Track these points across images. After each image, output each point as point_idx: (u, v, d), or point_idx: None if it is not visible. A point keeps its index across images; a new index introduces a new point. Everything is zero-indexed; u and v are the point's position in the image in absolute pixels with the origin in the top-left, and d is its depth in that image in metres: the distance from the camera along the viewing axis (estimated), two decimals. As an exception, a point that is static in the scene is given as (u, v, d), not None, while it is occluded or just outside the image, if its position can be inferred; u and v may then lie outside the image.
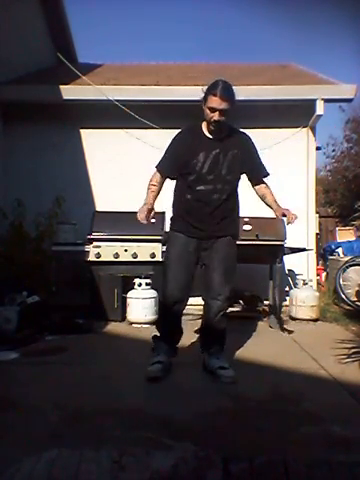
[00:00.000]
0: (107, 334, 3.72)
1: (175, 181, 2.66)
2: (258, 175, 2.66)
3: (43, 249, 4.55)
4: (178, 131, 2.66)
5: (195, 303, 4.64)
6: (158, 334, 2.70)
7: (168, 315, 2.62)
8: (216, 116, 2.38)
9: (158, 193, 2.65)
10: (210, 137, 2.51)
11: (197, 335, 3.09)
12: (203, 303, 2.65)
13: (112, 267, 4.22)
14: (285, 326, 3.95)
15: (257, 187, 2.68)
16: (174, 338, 2.67)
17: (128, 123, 4.93)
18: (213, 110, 2.37)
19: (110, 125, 5.08)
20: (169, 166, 2.61)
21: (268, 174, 2.69)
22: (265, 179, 2.69)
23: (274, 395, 2.27)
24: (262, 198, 2.68)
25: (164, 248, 4.19)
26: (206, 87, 2.43)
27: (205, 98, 2.41)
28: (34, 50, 6.12)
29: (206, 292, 2.58)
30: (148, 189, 2.65)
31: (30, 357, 2.96)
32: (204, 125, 2.54)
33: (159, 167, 2.65)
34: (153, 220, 4.25)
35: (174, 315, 2.60)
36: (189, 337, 3.21)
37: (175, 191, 2.66)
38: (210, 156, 2.47)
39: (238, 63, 7.06)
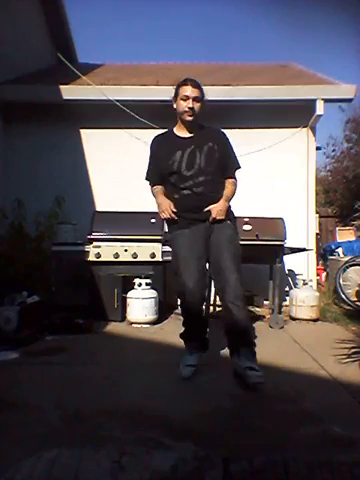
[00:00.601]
0: (107, 334, 3.72)
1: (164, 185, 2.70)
2: (227, 169, 2.63)
3: (43, 249, 4.55)
4: (152, 140, 2.72)
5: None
6: (185, 332, 2.68)
7: (191, 311, 2.59)
8: (190, 103, 2.46)
9: (163, 190, 2.67)
10: (183, 137, 2.58)
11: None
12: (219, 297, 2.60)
13: (112, 267, 4.22)
14: (284, 326, 3.96)
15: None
16: (202, 332, 2.67)
17: (128, 123, 4.93)
18: (186, 98, 2.46)
19: (110, 125, 5.09)
20: (155, 174, 2.67)
21: (238, 167, 2.67)
22: (237, 171, 2.68)
23: (274, 395, 2.27)
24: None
25: (165, 248, 4.21)
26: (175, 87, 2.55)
27: (175, 93, 2.52)
28: (34, 50, 6.12)
29: (218, 281, 2.49)
30: (154, 193, 2.70)
31: (30, 357, 2.96)
32: (176, 128, 2.62)
33: (148, 178, 2.73)
34: (153, 220, 4.31)
35: (196, 310, 2.57)
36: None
37: (166, 194, 2.67)
38: (186, 154, 2.52)
39: (238, 63, 7.07)
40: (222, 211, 2.50)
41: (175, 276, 2.56)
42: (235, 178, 2.68)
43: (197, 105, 2.48)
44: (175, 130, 2.63)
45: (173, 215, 2.51)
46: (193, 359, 2.60)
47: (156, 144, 2.67)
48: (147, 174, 2.73)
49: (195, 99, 2.46)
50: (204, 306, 2.95)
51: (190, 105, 2.45)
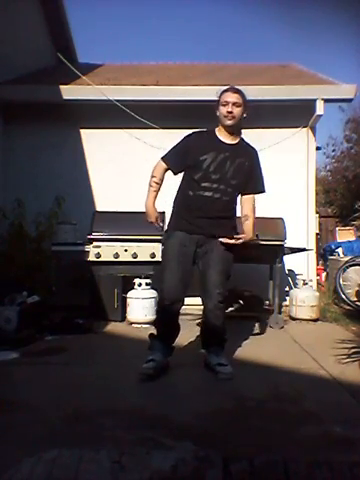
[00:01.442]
0: (107, 334, 3.72)
1: (181, 179, 2.70)
2: (253, 189, 2.71)
3: (43, 249, 4.54)
4: (191, 131, 2.71)
5: (195, 303, 4.66)
6: (155, 332, 2.69)
7: (165, 313, 2.63)
8: (229, 107, 2.51)
9: (158, 190, 2.69)
10: (222, 140, 2.61)
11: (197, 335, 3.09)
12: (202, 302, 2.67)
13: (112, 267, 4.22)
14: (284, 326, 3.96)
15: (244, 198, 2.70)
16: (171, 337, 2.67)
17: (128, 123, 4.93)
18: (226, 103, 2.53)
19: (110, 125, 5.08)
20: (176, 159, 2.66)
21: (264, 191, 2.76)
22: (257, 195, 2.74)
23: (274, 395, 2.27)
24: (242, 212, 2.71)
25: (163, 247, 4.21)
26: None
27: (218, 100, 2.58)
28: (34, 50, 6.12)
29: (203, 291, 2.62)
30: (149, 185, 2.69)
31: (30, 357, 2.96)
32: (218, 130, 2.65)
33: (165, 158, 2.69)
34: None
35: (171, 313, 2.60)
36: (188, 337, 3.21)
37: (179, 188, 2.70)
38: (219, 157, 2.55)
39: (238, 63, 7.07)
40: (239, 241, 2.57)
41: (160, 275, 2.62)
42: (253, 202, 2.72)
43: (237, 110, 2.53)
44: (217, 131, 2.65)
45: (157, 224, 2.68)
46: (156, 354, 2.56)
47: (194, 136, 2.68)
48: (167, 154, 2.69)
49: (235, 104, 2.52)
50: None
51: (229, 109, 2.51)
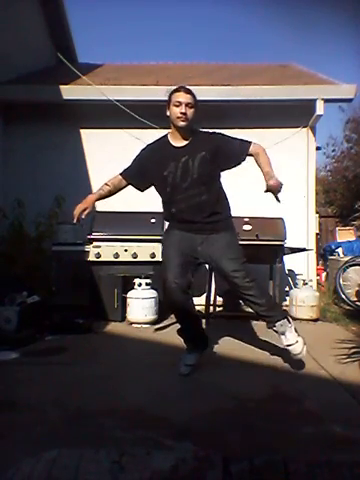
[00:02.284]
0: (107, 334, 3.72)
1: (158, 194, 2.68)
2: (239, 156, 2.59)
3: (43, 249, 4.54)
4: (143, 148, 2.70)
5: (195, 303, 4.65)
6: (180, 329, 2.70)
7: (174, 306, 2.60)
8: (182, 108, 2.45)
9: (107, 194, 2.76)
10: (176, 146, 2.55)
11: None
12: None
13: (112, 267, 4.22)
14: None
15: (254, 158, 2.60)
16: (193, 329, 2.66)
17: (128, 123, 4.93)
18: (179, 104, 2.46)
19: (110, 125, 5.08)
20: (135, 176, 2.67)
21: (249, 143, 2.59)
22: (252, 146, 2.59)
23: (274, 395, 2.27)
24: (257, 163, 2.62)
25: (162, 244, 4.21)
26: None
27: (169, 100, 2.52)
28: (34, 50, 6.12)
29: (229, 282, 2.55)
30: (107, 183, 2.71)
31: (30, 357, 2.96)
32: (169, 135, 2.60)
33: (124, 173, 2.71)
34: (153, 220, 4.30)
35: (179, 305, 2.56)
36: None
37: (162, 202, 2.68)
38: (180, 164, 2.50)
39: (238, 63, 7.07)
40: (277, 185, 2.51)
41: (162, 270, 2.61)
42: (257, 145, 2.59)
43: (190, 111, 2.47)
44: (169, 138, 2.59)
45: (76, 218, 2.59)
46: (191, 358, 2.62)
47: (148, 153, 2.64)
48: (126, 170, 2.71)
49: (188, 105, 2.46)
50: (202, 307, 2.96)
51: (182, 110, 2.44)
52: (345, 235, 6.91)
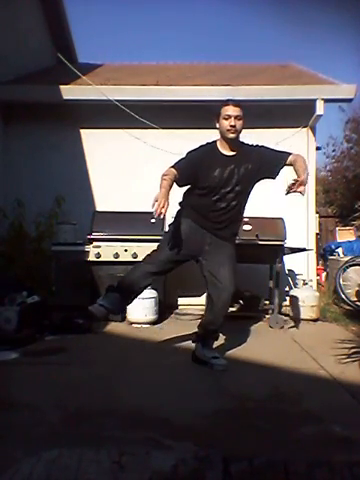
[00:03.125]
0: (107, 334, 3.72)
1: (188, 189, 2.76)
2: (279, 165, 2.72)
3: (43, 249, 4.55)
4: (194, 148, 2.73)
5: (195, 303, 4.66)
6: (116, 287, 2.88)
7: (133, 277, 2.80)
8: (232, 121, 2.58)
9: (171, 185, 2.61)
10: (225, 154, 2.68)
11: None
12: (206, 298, 2.84)
13: (112, 267, 4.22)
14: (284, 326, 3.96)
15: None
16: (128, 296, 2.86)
17: (128, 123, 4.93)
18: (228, 117, 2.59)
19: (110, 125, 5.08)
20: (184, 171, 2.63)
21: (289, 154, 2.72)
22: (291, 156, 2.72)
23: (274, 395, 2.27)
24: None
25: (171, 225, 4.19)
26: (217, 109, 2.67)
27: (218, 113, 2.64)
28: (34, 50, 6.12)
29: (214, 286, 2.68)
30: (162, 180, 2.58)
31: (30, 357, 2.96)
32: (218, 143, 2.71)
33: (176, 166, 2.65)
34: (153, 220, 4.31)
35: (142, 280, 2.76)
36: (190, 337, 3.20)
37: (190, 193, 2.76)
38: (225, 172, 2.63)
39: (238, 63, 7.07)
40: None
41: (158, 246, 2.77)
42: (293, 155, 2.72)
43: (239, 123, 2.60)
44: (218, 146, 2.70)
45: (161, 212, 2.45)
46: (106, 301, 2.77)
47: (200, 154, 2.71)
48: (176, 164, 2.65)
49: (237, 117, 2.59)
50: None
51: (232, 123, 2.58)
52: (345, 235, 6.90)
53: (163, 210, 2.40)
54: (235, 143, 2.67)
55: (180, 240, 2.64)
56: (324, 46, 29.68)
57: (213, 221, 2.67)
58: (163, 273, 2.91)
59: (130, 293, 2.84)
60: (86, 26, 29.26)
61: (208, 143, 2.76)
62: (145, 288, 2.88)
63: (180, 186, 2.71)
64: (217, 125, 2.66)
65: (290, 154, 2.72)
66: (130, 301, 2.94)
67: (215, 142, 2.72)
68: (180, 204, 2.80)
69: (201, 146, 2.75)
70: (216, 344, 3.12)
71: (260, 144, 2.79)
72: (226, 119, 2.59)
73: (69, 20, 6.71)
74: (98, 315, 2.72)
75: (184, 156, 2.71)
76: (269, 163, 2.70)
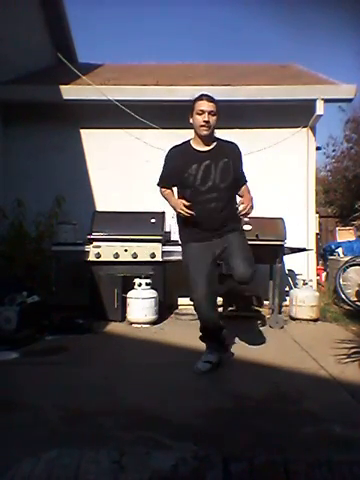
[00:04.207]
0: (107, 334, 3.72)
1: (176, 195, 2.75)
2: (238, 183, 2.73)
3: (43, 249, 4.54)
4: (169, 149, 2.73)
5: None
6: (202, 335, 2.78)
7: (201, 315, 2.67)
8: (205, 116, 2.51)
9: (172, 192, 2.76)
10: (199, 150, 2.62)
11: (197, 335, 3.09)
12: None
13: (112, 267, 4.22)
14: (284, 326, 3.97)
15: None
16: (215, 335, 2.75)
17: (128, 123, 4.93)
18: (202, 112, 2.52)
19: (110, 125, 5.08)
20: (166, 179, 2.73)
21: (246, 181, 2.78)
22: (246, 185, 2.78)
23: (274, 395, 2.27)
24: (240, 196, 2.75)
25: (165, 248, 4.22)
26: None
27: (192, 108, 2.58)
28: (34, 50, 6.12)
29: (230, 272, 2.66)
30: (165, 197, 2.76)
31: (30, 357, 2.96)
32: (192, 141, 2.66)
33: (160, 183, 2.78)
34: (153, 220, 4.32)
35: (206, 313, 2.64)
36: (190, 337, 3.20)
37: (178, 217, 2.72)
38: (201, 167, 2.56)
39: (238, 63, 7.07)
40: (250, 207, 2.55)
41: (187, 283, 2.66)
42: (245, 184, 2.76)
43: (212, 119, 2.53)
44: (192, 143, 2.66)
45: (189, 211, 2.51)
46: (211, 357, 2.68)
47: (172, 155, 2.70)
48: (160, 181, 2.78)
49: (210, 113, 2.52)
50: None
51: (206, 119, 2.51)
52: (345, 235, 6.90)
53: (186, 212, 2.50)
54: (209, 139, 2.60)
55: (196, 263, 2.61)
56: (324, 46, 29.67)
57: (208, 228, 2.59)
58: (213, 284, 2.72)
59: (214, 327, 2.74)
60: (86, 26, 29.27)
61: (182, 142, 2.71)
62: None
63: (171, 190, 2.76)
64: (190, 120, 2.60)
65: (244, 184, 2.73)
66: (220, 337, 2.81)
67: (189, 140, 2.68)
68: (178, 229, 2.79)
69: (174, 146, 2.72)
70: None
71: (236, 143, 2.74)
72: (199, 114, 2.52)
73: (69, 20, 6.70)
74: (204, 371, 2.61)
75: (163, 164, 2.73)
76: (236, 173, 2.67)
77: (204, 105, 2.52)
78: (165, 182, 2.74)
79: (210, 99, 2.55)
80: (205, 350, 2.75)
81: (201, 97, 2.56)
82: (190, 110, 2.58)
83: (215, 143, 2.63)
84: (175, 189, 2.77)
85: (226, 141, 2.71)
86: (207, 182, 2.56)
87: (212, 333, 2.73)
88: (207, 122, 2.51)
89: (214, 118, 2.54)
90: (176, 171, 2.62)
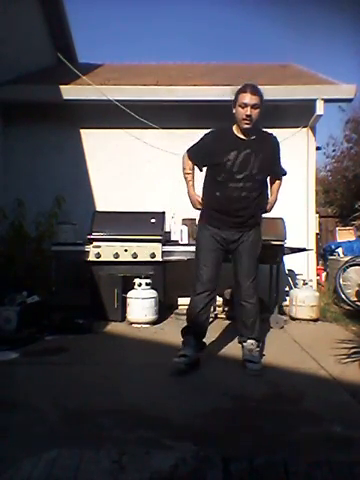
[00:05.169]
0: (107, 334, 3.72)
1: (205, 177, 2.75)
2: (276, 176, 2.81)
3: (43, 249, 4.54)
4: (209, 130, 2.72)
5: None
6: (187, 327, 2.76)
7: (198, 303, 2.68)
8: (248, 110, 2.46)
9: (193, 179, 2.76)
10: (241, 137, 2.59)
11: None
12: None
13: (112, 267, 4.22)
14: (284, 326, 3.97)
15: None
16: (202, 330, 2.75)
17: (128, 123, 4.93)
18: (244, 106, 2.47)
19: (110, 125, 5.08)
20: (199, 155, 2.70)
21: (285, 173, 2.83)
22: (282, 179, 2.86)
23: (274, 395, 2.27)
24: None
25: (165, 248, 4.22)
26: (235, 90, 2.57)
27: (235, 99, 2.52)
28: (34, 50, 6.11)
29: (235, 280, 2.75)
30: (185, 179, 2.76)
31: (30, 357, 2.96)
32: (235, 127, 2.63)
33: (190, 152, 2.73)
34: (153, 220, 4.31)
35: (203, 304, 2.66)
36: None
37: (205, 187, 2.74)
38: (241, 155, 2.54)
39: (238, 63, 7.06)
40: (271, 207, 2.80)
41: (194, 267, 2.71)
42: (281, 180, 2.84)
43: (255, 112, 2.49)
44: (234, 129, 2.62)
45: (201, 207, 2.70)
46: (188, 350, 2.64)
47: (213, 136, 2.66)
48: (191, 149, 2.72)
49: (253, 106, 2.47)
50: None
51: (248, 113, 2.47)
52: (345, 235, 6.90)
53: (200, 205, 2.66)
54: (250, 132, 2.58)
55: (207, 253, 2.66)
56: (324, 46, 29.66)
57: (233, 215, 2.60)
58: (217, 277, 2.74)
59: (203, 323, 2.74)
60: (86, 26, 29.27)
61: (224, 126, 2.68)
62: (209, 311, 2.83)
63: (200, 169, 2.75)
64: (233, 110, 2.55)
65: (280, 180, 2.80)
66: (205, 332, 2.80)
67: (231, 126, 2.63)
68: (201, 212, 2.81)
69: (217, 129, 2.70)
70: (216, 343, 3.14)
71: (277, 138, 2.77)
72: (242, 107, 2.47)
73: (69, 20, 6.70)
74: (183, 368, 2.54)
75: (200, 138, 2.70)
76: (275, 165, 2.73)
77: (247, 98, 2.46)
78: (197, 159, 2.70)
79: (254, 91, 2.47)
80: (182, 345, 2.71)
81: (245, 89, 2.48)
82: (233, 100, 2.54)
83: (256, 134, 2.61)
84: (197, 171, 2.78)
85: (268, 133, 2.71)
86: (244, 171, 2.54)
87: (199, 325, 2.73)
88: (249, 116, 2.46)
89: (257, 111, 2.49)
90: (214, 154, 2.58)
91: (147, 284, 4.04)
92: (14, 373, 2.63)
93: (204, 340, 2.80)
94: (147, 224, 4.31)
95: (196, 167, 2.74)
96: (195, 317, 2.69)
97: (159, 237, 4.25)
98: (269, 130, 5.33)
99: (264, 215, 4.21)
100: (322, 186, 12.60)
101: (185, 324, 2.79)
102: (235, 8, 32.93)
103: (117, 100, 4.81)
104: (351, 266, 5.26)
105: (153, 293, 4.02)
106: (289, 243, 4.21)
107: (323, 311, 4.54)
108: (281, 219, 4.27)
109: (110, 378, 2.52)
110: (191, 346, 2.66)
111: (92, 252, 4.23)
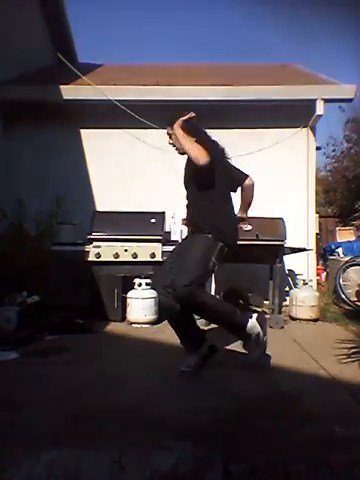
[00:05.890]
0: (107, 334, 3.72)
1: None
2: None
3: (43, 249, 4.54)
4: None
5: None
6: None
7: (164, 309, 2.80)
8: (168, 140, 2.78)
9: None
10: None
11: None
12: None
13: (112, 267, 4.22)
14: (284, 326, 3.97)
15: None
16: (184, 332, 2.71)
17: (128, 123, 4.93)
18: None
19: (110, 125, 5.09)
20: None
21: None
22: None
23: (274, 395, 2.27)
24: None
25: (165, 248, 4.23)
26: None
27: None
28: (34, 50, 6.12)
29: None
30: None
31: (30, 357, 2.96)
32: None
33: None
34: (153, 220, 4.32)
35: (167, 308, 2.63)
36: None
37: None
38: (184, 170, 2.79)
39: (238, 63, 7.07)
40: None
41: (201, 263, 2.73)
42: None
43: (173, 138, 2.72)
44: None
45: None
46: (189, 360, 2.60)
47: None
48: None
49: (169, 135, 2.75)
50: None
51: (169, 141, 2.77)
52: (345, 235, 6.91)
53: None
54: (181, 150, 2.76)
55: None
56: (324, 46, 29.66)
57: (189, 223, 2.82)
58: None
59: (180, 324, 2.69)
60: (86, 26, 29.28)
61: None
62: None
63: None
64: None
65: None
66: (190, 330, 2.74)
67: None
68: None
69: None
70: (217, 343, 3.11)
71: None
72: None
73: (69, 20, 6.71)
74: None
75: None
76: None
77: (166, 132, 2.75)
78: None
79: (165, 127, 2.78)
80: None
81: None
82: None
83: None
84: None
85: None
86: (185, 182, 2.81)
87: (179, 330, 2.66)
88: (171, 143, 2.75)
89: (174, 137, 2.69)
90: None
91: (147, 284, 4.04)
92: (14, 373, 2.63)
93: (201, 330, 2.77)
94: (147, 224, 4.31)
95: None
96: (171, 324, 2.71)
97: (159, 237, 4.25)
98: (269, 130, 5.37)
99: (264, 215, 4.26)
100: (322, 186, 12.62)
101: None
102: (236, 8, 32.94)
103: (117, 100, 4.82)
104: (351, 266, 5.26)
105: (153, 293, 4.02)
106: (289, 243, 4.21)
107: (323, 311, 4.54)
108: (281, 219, 4.28)
109: (110, 378, 2.52)
110: (189, 351, 2.65)
111: (92, 252, 4.23)
